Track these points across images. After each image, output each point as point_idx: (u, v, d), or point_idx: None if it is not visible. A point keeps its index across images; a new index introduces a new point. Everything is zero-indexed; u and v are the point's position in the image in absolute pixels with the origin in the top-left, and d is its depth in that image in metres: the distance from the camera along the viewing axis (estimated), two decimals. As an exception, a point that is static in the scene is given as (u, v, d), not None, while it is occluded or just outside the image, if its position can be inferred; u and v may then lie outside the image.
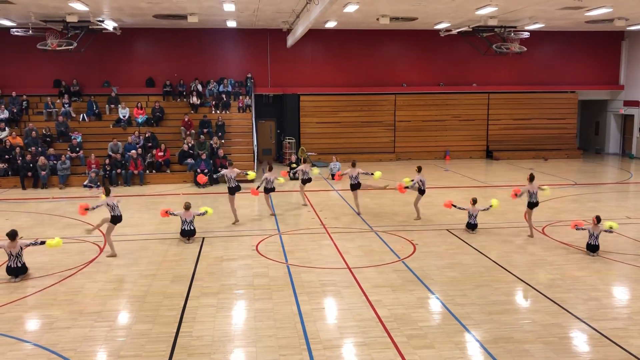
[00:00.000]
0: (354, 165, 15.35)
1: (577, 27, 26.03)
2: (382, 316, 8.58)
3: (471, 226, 13.52)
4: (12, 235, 10.22)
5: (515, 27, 23.14)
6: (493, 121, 28.67)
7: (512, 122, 28.69)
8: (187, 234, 12.86)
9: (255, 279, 10.34)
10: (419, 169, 14.63)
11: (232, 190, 14.46)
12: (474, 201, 13.61)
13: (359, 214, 15.43)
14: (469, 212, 13.57)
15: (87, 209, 11.75)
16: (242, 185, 15.20)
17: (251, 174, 15.61)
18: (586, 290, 9.68)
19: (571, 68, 28.87)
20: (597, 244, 11.71)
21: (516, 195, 13.33)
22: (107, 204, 11.70)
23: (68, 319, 8.58)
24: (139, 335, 7.99)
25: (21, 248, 10.27)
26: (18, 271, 10.26)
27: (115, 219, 11.75)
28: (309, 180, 16.57)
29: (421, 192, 14.53)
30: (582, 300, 9.23)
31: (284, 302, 9.18)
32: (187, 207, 12.87)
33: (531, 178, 13.23)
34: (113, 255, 11.73)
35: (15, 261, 10.21)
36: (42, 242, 10.58)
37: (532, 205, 13.09)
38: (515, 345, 7.62)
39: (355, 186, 15.36)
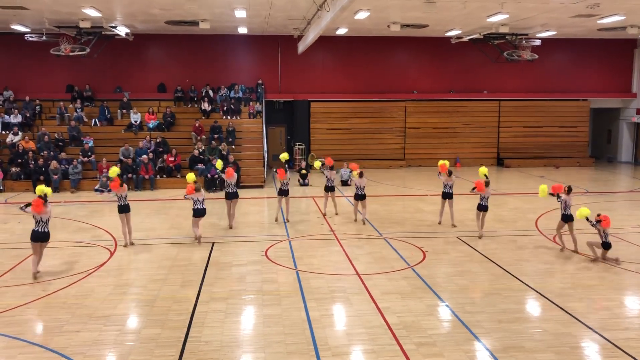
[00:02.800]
0: (361, 176, 14.94)
1: (589, 34, 25.89)
2: (391, 323, 8.53)
3: (446, 195, 14.65)
4: (44, 200, 10.73)
5: (526, 34, 23.08)
6: (504, 128, 28.54)
7: (523, 130, 28.54)
8: (200, 213, 13.21)
9: (264, 285, 10.34)
10: (487, 184, 13.47)
11: (230, 196, 14.67)
12: (449, 173, 14.75)
13: (364, 221, 15.10)
14: (443, 183, 14.77)
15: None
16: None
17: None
18: (598, 300, 9.58)
19: (583, 76, 28.70)
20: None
21: (554, 195, 12.39)
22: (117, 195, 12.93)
23: (78, 322, 8.62)
24: (148, 340, 8.00)
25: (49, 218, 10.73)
26: (44, 237, 10.66)
27: (122, 208, 12.83)
28: (332, 188, 16.07)
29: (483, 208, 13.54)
30: (593, 310, 9.13)
31: (293, 308, 9.16)
32: (198, 188, 13.27)
33: (569, 190, 12.44)
34: (127, 244, 12.92)
35: (43, 227, 10.66)
36: (28, 205, 10.86)
37: (566, 218, 12.28)
38: (526, 354, 7.55)
39: (360, 197, 14.89)
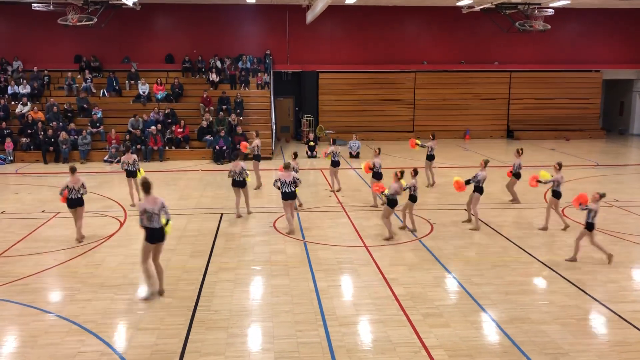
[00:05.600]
0: (379, 152, 14.15)
1: (603, 4, 25.36)
2: (398, 294, 8.60)
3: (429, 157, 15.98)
4: (73, 170, 11.20)
5: (539, 4, 22.61)
6: (514, 100, 28.24)
7: (533, 102, 28.23)
8: (239, 184, 12.91)
9: (272, 256, 10.42)
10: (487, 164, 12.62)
11: (258, 157, 15.80)
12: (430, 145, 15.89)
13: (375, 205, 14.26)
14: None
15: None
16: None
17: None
18: (605, 273, 9.59)
19: (596, 47, 28.23)
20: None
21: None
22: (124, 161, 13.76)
23: (89, 291, 8.75)
24: (158, 309, 8.12)
25: (82, 184, 11.11)
26: (76, 202, 11.13)
27: (129, 173, 13.76)
28: (338, 163, 15.56)
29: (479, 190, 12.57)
30: (600, 282, 9.15)
31: (301, 279, 9.24)
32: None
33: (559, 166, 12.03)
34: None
35: (75, 194, 11.06)
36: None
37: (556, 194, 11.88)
38: (532, 325, 7.60)
39: (378, 175, 13.92)
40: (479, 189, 12.07)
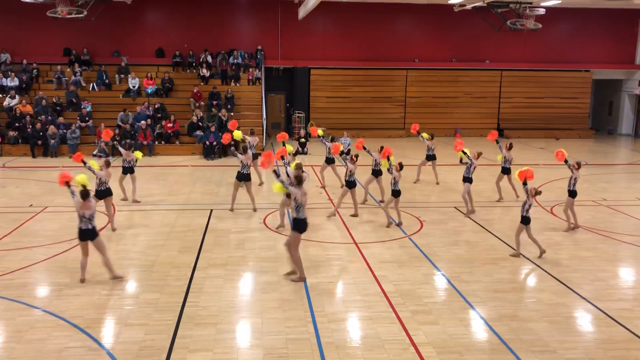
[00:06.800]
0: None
1: (594, 4, 25.50)
2: (387, 291, 8.61)
3: (430, 157, 16.21)
4: (108, 163, 11.52)
5: (530, 2, 22.69)
6: (505, 99, 28.35)
7: (524, 101, 28.36)
8: (244, 177, 12.84)
9: (262, 252, 10.40)
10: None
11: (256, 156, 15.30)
12: (432, 137, 16.27)
13: (381, 201, 13.92)
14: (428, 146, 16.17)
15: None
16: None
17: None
18: (593, 271, 9.66)
19: (586, 46, 28.37)
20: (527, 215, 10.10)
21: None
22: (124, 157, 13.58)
23: (77, 286, 8.69)
24: (146, 304, 8.08)
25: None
26: (106, 193, 11.37)
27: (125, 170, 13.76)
28: (332, 160, 15.46)
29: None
30: (588, 281, 9.21)
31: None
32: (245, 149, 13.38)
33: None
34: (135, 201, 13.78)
35: (104, 186, 11.27)
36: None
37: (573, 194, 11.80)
38: (520, 323, 7.64)
39: (377, 172, 13.70)
40: (468, 179, 12.75)
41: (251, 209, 13.16)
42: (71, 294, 8.39)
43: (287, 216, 12.02)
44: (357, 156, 12.82)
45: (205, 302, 8.18)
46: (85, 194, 8.70)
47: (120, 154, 13.90)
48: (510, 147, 14.41)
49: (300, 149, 22.09)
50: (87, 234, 8.71)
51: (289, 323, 7.54)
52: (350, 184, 12.58)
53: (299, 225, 8.73)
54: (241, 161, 12.77)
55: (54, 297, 8.32)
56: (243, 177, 12.85)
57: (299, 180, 8.72)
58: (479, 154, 13.09)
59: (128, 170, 13.69)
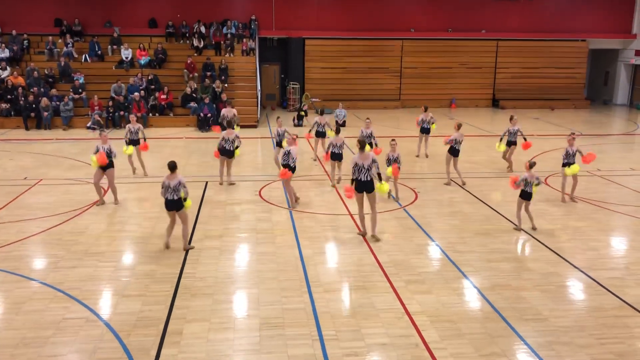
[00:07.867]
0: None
1: (592, -28, 25.21)
2: (382, 262, 8.70)
3: (424, 130, 15.99)
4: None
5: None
6: (501, 69, 28.21)
7: (520, 71, 28.22)
8: (227, 153, 12.70)
9: (258, 224, 10.44)
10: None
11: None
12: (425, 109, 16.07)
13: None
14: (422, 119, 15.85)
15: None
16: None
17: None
18: (586, 241, 9.76)
19: (583, 15, 28.12)
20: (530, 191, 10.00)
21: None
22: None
23: (73, 258, 8.73)
24: (143, 276, 8.14)
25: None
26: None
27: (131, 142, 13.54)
28: (324, 134, 15.32)
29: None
30: (581, 250, 9.32)
31: (286, 246, 9.29)
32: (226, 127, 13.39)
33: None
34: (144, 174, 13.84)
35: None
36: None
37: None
38: (512, 292, 7.75)
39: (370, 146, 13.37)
40: (453, 151, 12.83)
41: (245, 181, 13.16)
42: (67, 265, 8.44)
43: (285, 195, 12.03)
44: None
45: (201, 273, 8.25)
46: (172, 166, 8.82)
47: (115, 126, 13.83)
48: (512, 120, 14.15)
49: (296, 120, 22.04)
50: (173, 205, 8.88)
51: (285, 293, 7.63)
52: (336, 156, 12.84)
53: (358, 185, 9.50)
54: (222, 137, 12.68)
55: (51, 269, 8.37)
56: (225, 152, 12.73)
57: (362, 145, 9.44)
58: (459, 125, 13.19)
59: (134, 142, 13.60)
